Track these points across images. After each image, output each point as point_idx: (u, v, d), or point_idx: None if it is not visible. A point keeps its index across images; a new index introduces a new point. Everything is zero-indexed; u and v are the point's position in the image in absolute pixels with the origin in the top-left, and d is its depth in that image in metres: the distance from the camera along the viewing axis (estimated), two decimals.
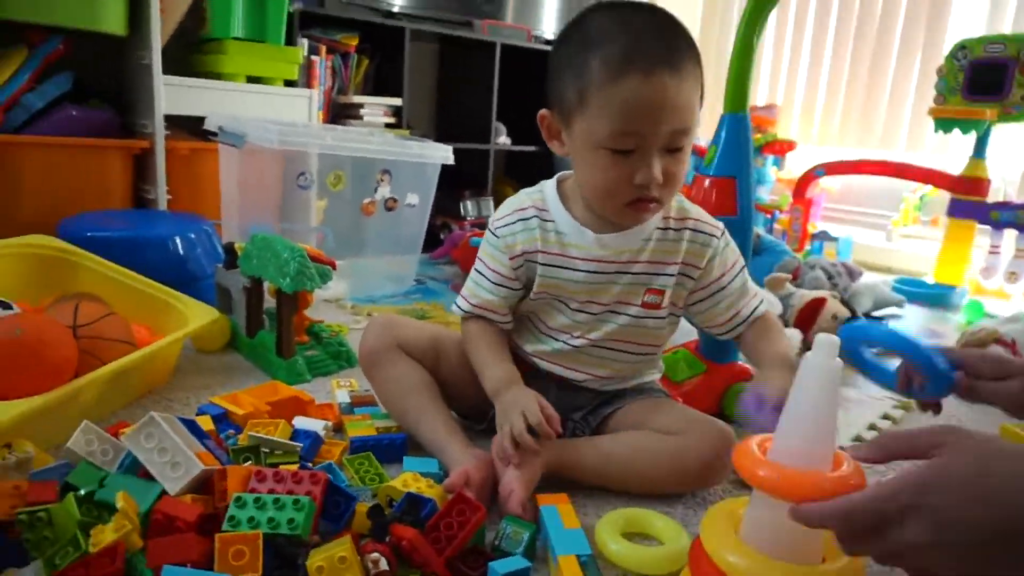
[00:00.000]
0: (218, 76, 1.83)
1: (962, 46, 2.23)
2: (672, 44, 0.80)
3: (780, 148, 2.83)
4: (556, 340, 0.94)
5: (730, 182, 1.10)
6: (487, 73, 2.47)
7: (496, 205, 2.51)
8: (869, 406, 1.26)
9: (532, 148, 2.68)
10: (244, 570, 0.60)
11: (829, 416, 0.59)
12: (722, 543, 0.61)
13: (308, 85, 2.04)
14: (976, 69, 2.18)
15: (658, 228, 0.91)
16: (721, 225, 0.94)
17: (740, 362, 1.17)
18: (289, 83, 1.94)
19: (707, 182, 1.11)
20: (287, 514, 0.65)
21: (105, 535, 0.62)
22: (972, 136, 2.20)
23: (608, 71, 0.78)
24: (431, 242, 2.25)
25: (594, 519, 0.82)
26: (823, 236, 2.63)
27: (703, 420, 0.90)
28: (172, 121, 1.75)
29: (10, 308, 1.00)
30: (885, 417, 1.22)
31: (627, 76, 0.77)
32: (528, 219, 0.92)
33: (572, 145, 0.86)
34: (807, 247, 2.60)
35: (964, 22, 2.71)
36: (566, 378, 0.95)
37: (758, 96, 3.30)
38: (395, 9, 2.36)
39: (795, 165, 3.01)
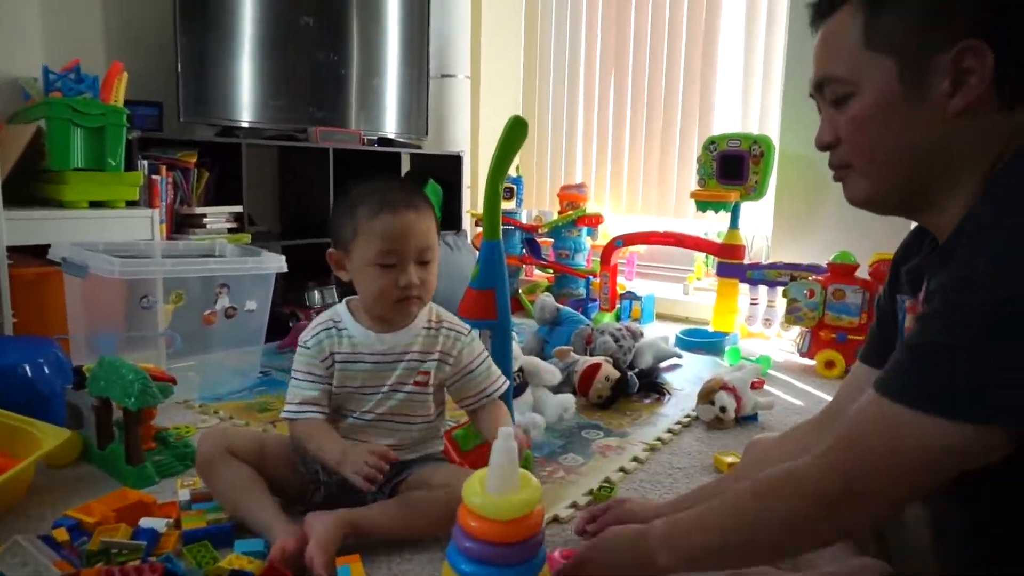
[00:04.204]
0: (60, 204, 1.98)
1: (712, 140, 2.78)
2: (411, 193, 1.21)
3: (591, 221, 3.28)
4: (354, 418, 1.24)
5: (490, 293, 1.43)
6: (323, 175, 2.75)
7: (338, 293, 2.77)
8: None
9: None
10: None
11: (512, 472, 0.90)
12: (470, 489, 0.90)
13: (150, 203, 2.22)
14: (724, 159, 2.73)
15: (423, 327, 1.25)
16: (467, 327, 1.29)
17: None
18: (131, 203, 2.12)
19: (474, 294, 1.44)
20: None
21: None
22: (723, 213, 2.73)
23: (370, 213, 1.16)
24: (282, 330, 2.47)
25: (385, 570, 1.10)
26: (630, 296, 3.08)
27: (466, 473, 1.20)
28: (17, 248, 1.88)
29: None
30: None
31: (382, 214, 1.16)
32: (328, 329, 1.25)
33: (353, 269, 1.21)
34: (618, 306, 3.04)
35: (726, 116, 3.32)
36: None
37: (575, 175, 3.80)
38: (232, 125, 2.59)
39: (610, 231, 3.49)
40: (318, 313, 2.62)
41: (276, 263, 1.95)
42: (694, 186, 2.86)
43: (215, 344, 1.97)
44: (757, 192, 2.68)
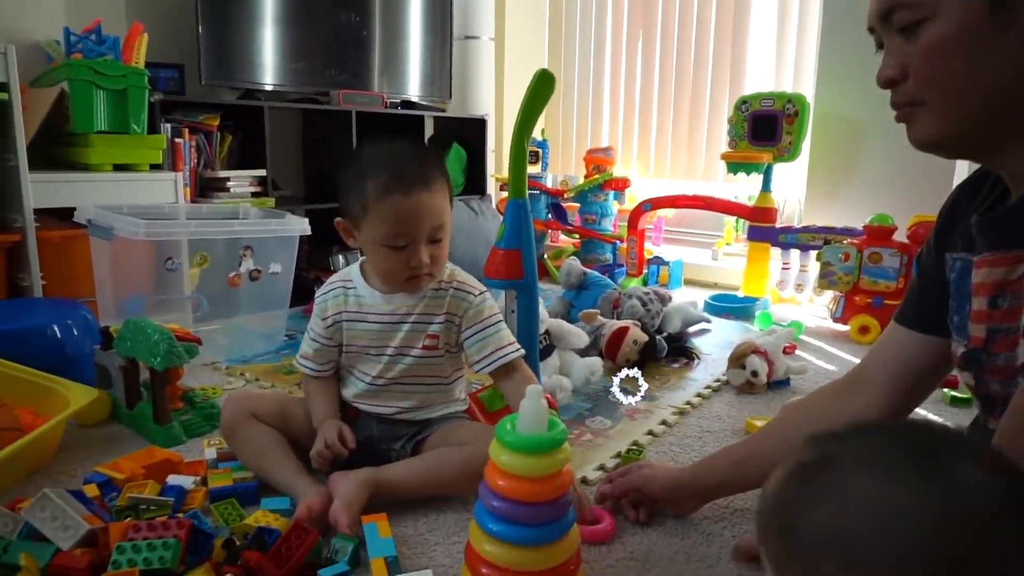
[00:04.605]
0: (85, 167, 1.99)
1: (744, 100, 2.69)
2: (424, 165, 1.13)
3: (618, 184, 3.21)
4: (365, 383, 1.23)
5: (516, 253, 1.40)
6: (346, 138, 2.72)
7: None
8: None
9: None
10: None
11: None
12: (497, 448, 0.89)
13: (174, 166, 2.21)
14: (756, 119, 2.64)
15: (432, 288, 1.21)
16: (482, 289, 1.24)
17: None
18: (155, 166, 2.11)
19: (499, 254, 1.41)
20: (158, 553, 0.88)
21: None
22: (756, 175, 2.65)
23: (378, 191, 1.10)
24: (307, 295, 2.46)
25: (411, 529, 1.09)
26: (657, 261, 3.03)
27: (487, 430, 1.18)
28: (43, 211, 1.89)
29: None
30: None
31: (393, 195, 1.10)
32: (335, 290, 1.25)
33: (362, 242, 1.17)
34: (645, 271, 2.99)
35: (758, 76, 3.21)
36: (381, 414, 1.23)
37: (601, 139, 3.72)
38: (254, 88, 2.57)
39: (637, 195, 3.42)
40: None
41: (300, 226, 1.94)
42: (724, 148, 2.77)
43: (241, 308, 1.97)
44: (791, 153, 2.59)
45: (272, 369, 1.87)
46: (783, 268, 2.68)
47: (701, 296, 2.64)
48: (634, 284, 2.78)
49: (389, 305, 1.20)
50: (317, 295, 1.27)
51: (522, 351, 1.23)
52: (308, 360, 1.27)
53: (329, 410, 1.23)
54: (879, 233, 2.27)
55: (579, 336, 1.74)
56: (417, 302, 1.20)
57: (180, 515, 1.04)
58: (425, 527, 1.11)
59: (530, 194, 3.22)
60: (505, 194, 3.25)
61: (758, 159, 2.57)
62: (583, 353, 1.77)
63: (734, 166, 2.64)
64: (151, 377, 1.41)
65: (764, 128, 2.61)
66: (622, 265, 3.08)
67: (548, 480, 0.88)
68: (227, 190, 2.35)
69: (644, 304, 2.19)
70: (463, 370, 1.29)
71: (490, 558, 0.89)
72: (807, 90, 2.88)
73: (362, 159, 1.15)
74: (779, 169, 2.71)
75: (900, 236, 2.27)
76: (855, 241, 2.31)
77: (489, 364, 1.21)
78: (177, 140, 2.24)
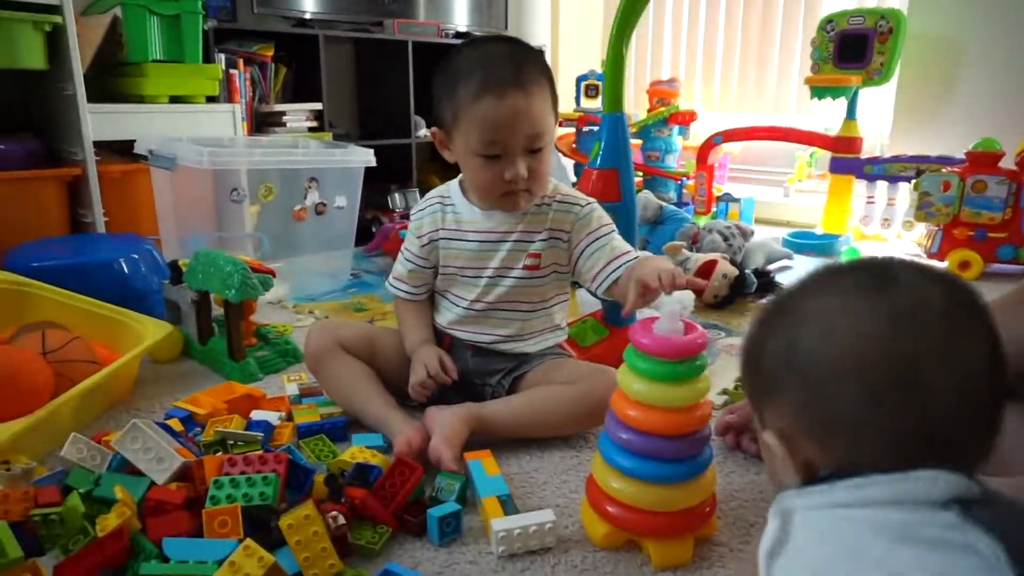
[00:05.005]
0: (140, 98, 1.90)
1: (829, 19, 2.48)
2: (521, 68, 0.99)
3: (683, 118, 3.03)
4: (462, 308, 1.13)
5: (613, 172, 1.28)
6: (402, 70, 2.59)
7: (422, 195, 2.66)
8: None
9: None
10: (229, 535, 0.75)
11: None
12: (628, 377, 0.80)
13: (230, 98, 2.12)
14: (843, 40, 2.43)
15: (534, 204, 1.09)
16: (589, 199, 1.12)
17: None
18: (211, 99, 2.02)
19: (594, 174, 1.29)
20: (258, 489, 0.80)
21: (110, 521, 0.76)
22: (843, 100, 2.45)
23: (469, 96, 0.99)
24: (364, 235, 2.39)
25: (515, 468, 1.01)
26: (727, 198, 2.86)
27: (596, 368, 1.09)
28: (101, 145, 1.82)
29: None
30: None
31: (483, 99, 0.98)
32: (433, 206, 1.15)
33: (456, 153, 1.06)
34: (713, 208, 2.84)
35: None
36: (477, 343, 1.14)
37: (662, 71, 3.52)
38: (307, 16, 2.44)
39: (700, 133, 3.24)
40: (403, 217, 2.56)
41: (364, 156, 1.84)
42: (797, 76, 2.57)
43: (303, 246, 1.89)
44: (883, 75, 2.38)
45: (342, 307, 1.80)
46: (867, 202, 2.50)
47: (774, 235, 2.49)
48: (703, 223, 2.63)
49: (489, 222, 1.10)
50: (412, 213, 1.18)
51: (640, 255, 1.10)
52: (401, 282, 1.18)
53: (424, 336, 1.15)
54: (984, 160, 2.08)
55: None
56: (519, 219, 1.09)
57: (273, 449, 0.98)
58: (530, 466, 1.03)
59: (589, 130, 3.07)
60: (566, 130, 3.10)
61: (847, 82, 2.37)
62: None
63: (819, 91, 2.44)
64: (225, 310, 1.34)
65: (853, 48, 2.40)
66: (687, 204, 2.92)
67: (686, 412, 0.78)
68: (283, 124, 2.26)
69: (726, 239, 2.06)
70: (567, 294, 1.18)
71: (618, 496, 0.81)
72: (898, 4, 2.64)
73: (456, 60, 1.03)
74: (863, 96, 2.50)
75: (1008, 163, 2.08)
76: (956, 169, 2.12)
77: (607, 278, 1.06)
78: (232, 71, 2.14)
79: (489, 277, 1.11)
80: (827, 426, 0.46)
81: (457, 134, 1.03)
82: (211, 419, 1.07)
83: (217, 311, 1.42)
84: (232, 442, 1.00)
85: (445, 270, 1.14)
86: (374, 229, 2.50)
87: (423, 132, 2.77)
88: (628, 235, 1.30)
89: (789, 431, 0.49)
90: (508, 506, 0.87)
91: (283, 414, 1.13)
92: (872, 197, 2.49)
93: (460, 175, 1.14)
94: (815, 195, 3.00)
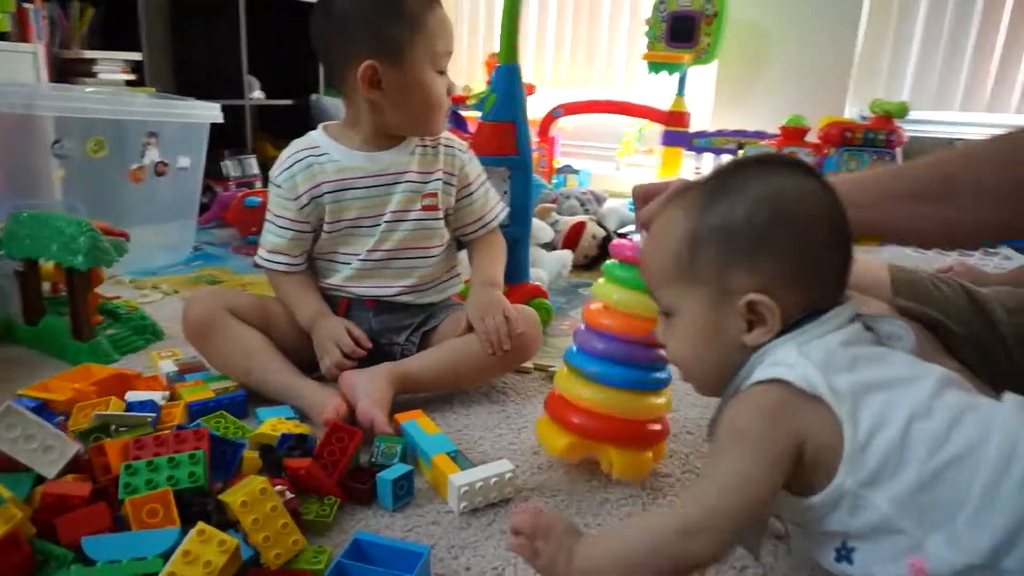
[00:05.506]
0: None
1: (661, 0, 2.64)
2: None
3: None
4: (358, 261, 1.06)
5: (509, 126, 1.25)
6: (232, 25, 2.34)
7: (259, 162, 2.44)
8: None
9: (289, 102, 2.61)
10: (162, 524, 0.63)
11: None
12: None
13: (23, 39, 1.78)
14: (674, 20, 2.61)
15: (419, 145, 1.07)
16: (463, 142, 1.13)
17: (530, 282, 1.36)
18: (1, 36, 1.68)
19: (488, 128, 1.26)
20: (185, 470, 0.68)
21: None
22: (676, 77, 2.63)
23: (423, 6, 0.98)
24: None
25: (444, 427, 0.96)
26: (567, 169, 2.97)
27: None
28: None
29: None
30: None
31: (436, 9, 0.99)
32: (303, 161, 1.05)
33: (400, 81, 0.99)
34: (554, 180, 2.92)
35: None
36: (379, 298, 1.07)
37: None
38: None
39: (535, 107, 3.31)
40: (238, 186, 2.33)
41: (210, 112, 1.64)
42: (624, 54, 2.72)
43: (135, 217, 1.62)
44: (709, 54, 2.60)
45: (191, 279, 1.60)
46: (695, 174, 2.72)
47: (617, 205, 2.62)
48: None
49: (376, 165, 1.05)
50: (274, 176, 1.06)
51: (504, 207, 1.17)
52: (279, 254, 1.07)
53: (318, 306, 1.06)
54: (794, 134, 2.35)
55: (545, 230, 1.64)
56: (409, 160, 1.06)
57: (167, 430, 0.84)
58: (459, 423, 0.99)
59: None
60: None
61: (680, 59, 2.55)
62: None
63: (655, 66, 2.60)
64: (68, 282, 1.13)
65: (682, 29, 2.59)
66: None
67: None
68: (93, 75, 1.94)
69: (582, 204, 2.14)
70: (454, 242, 1.16)
71: (588, 404, 0.82)
72: None
73: None
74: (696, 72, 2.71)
75: (811, 137, 2.37)
76: (772, 142, 2.38)
77: (474, 231, 1.13)
78: (25, 6, 1.79)
79: (387, 222, 1.05)
80: (808, 271, 0.56)
81: (413, 52, 0.98)
82: (77, 405, 0.89)
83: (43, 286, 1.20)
84: (115, 427, 0.84)
85: (335, 226, 1.05)
86: (205, 199, 2.25)
87: (256, 93, 2.53)
88: (524, 191, 1.29)
89: (770, 285, 0.56)
90: (461, 461, 0.83)
91: (166, 394, 0.97)
92: (699, 168, 2.71)
93: (321, 125, 1.08)
94: (643, 168, 3.20)
